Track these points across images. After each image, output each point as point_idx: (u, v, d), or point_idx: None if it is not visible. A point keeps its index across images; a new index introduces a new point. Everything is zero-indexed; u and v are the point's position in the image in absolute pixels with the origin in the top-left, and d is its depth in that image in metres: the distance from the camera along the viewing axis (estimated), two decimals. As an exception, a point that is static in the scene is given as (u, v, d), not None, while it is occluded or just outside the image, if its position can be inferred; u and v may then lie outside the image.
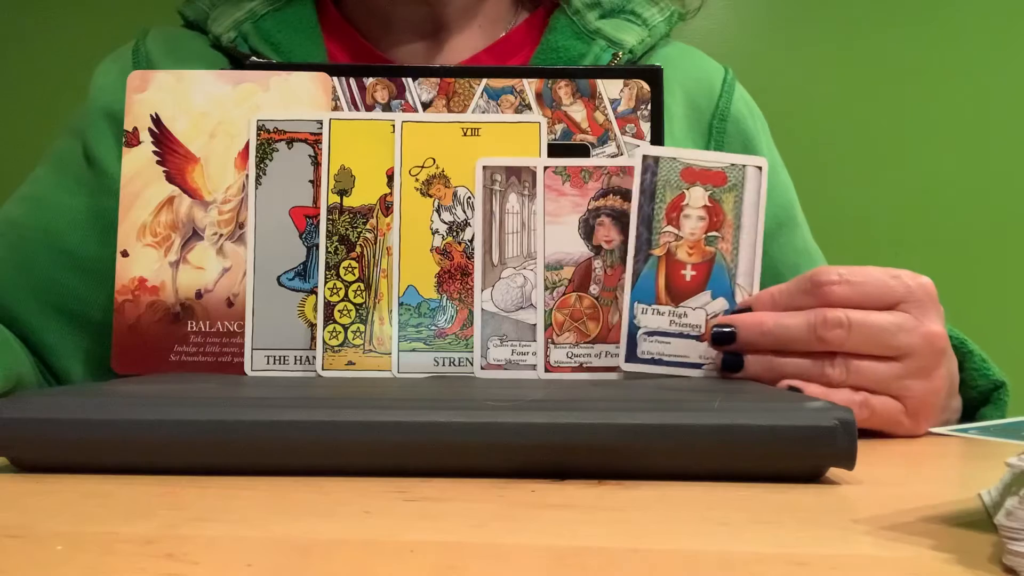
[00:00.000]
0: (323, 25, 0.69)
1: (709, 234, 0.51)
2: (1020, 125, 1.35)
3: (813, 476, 0.36)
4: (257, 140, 0.53)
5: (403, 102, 0.55)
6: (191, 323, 0.53)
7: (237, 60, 0.66)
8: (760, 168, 0.52)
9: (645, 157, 0.51)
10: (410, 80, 0.55)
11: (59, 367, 0.64)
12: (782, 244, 0.68)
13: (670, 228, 0.51)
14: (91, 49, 0.85)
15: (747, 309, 0.50)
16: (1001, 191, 1.35)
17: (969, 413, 0.53)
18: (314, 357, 0.51)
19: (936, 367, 0.47)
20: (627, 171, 0.52)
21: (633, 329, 0.50)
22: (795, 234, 0.70)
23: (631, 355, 0.50)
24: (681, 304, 0.51)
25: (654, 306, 0.51)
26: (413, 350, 0.51)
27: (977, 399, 0.53)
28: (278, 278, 0.52)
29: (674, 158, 0.52)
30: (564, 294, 0.52)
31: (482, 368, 0.51)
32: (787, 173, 0.72)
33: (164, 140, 0.54)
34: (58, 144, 0.68)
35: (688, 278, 0.51)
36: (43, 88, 1.43)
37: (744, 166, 0.52)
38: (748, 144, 0.69)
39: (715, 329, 0.49)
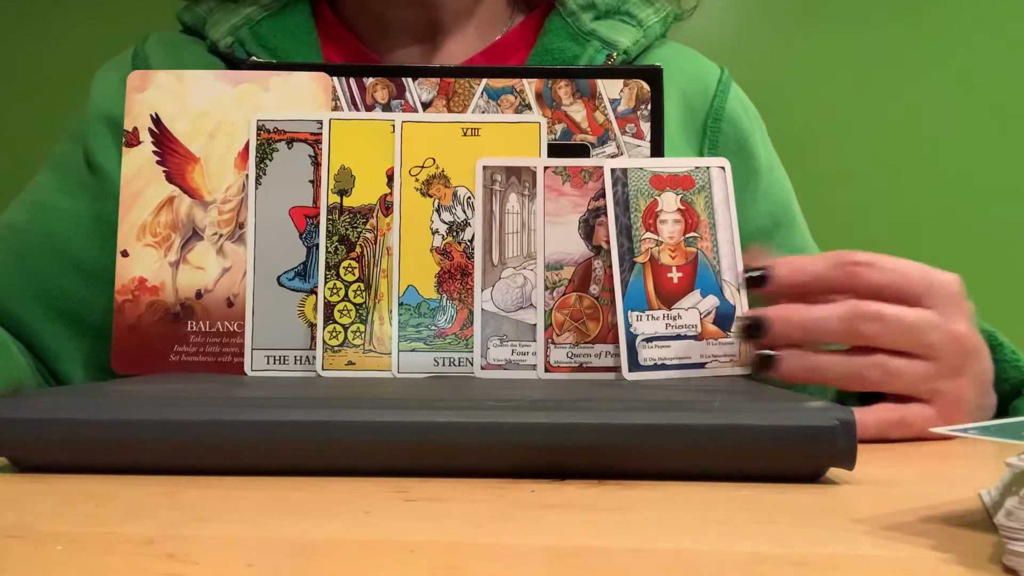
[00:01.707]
0: (320, 30, 0.69)
1: (688, 236, 0.52)
2: (1022, 121, 1.35)
3: (813, 476, 0.36)
4: (257, 140, 0.53)
5: (403, 102, 0.55)
6: (191, 323, 0.53)
7: (235, 66, 0.66)
8: (723, 168, 0.53)
9: (613, 170, 0.52)
10: (410, 80, 0.55)
11: (61, 371, 0.64)
12: (779, 243, 0.68)
13: (649, 234, 0.51)
14: (92, 53, 0.85)
15: (763, 273, 0.49)
16: (1005, 188, 1.35)
17: (1001, 407, 0.52)
18: (314, 357, 0.51)
19: (964, 368, 0.47)
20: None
21: (631, 337, 0.50)
22: (792, 233, 0.70)
23: (633, 364, 0.50)
24: (673, 307, 0.51)
25: (648, 312, 0.51)
26: (413, 350, 0.51)
27: (1009, 392, 0.53)
28: (278, 278, 0.52)
29: (641, 168, 0.52)
30: (564, 294, 0.52)
31: (482, 368, 0.51)
32: (784, 172, 0.72)
33: (164, 140, 0.54)
34: (59, 149, 0.68)
35: (675, 280, 0.51)
36: (44, 92, 1.43)
37: (708, 168, 0.53)
38: (743, 144, 0.68)
39: (744, 321, 0.49)
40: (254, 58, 0.64)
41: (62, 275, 0.63)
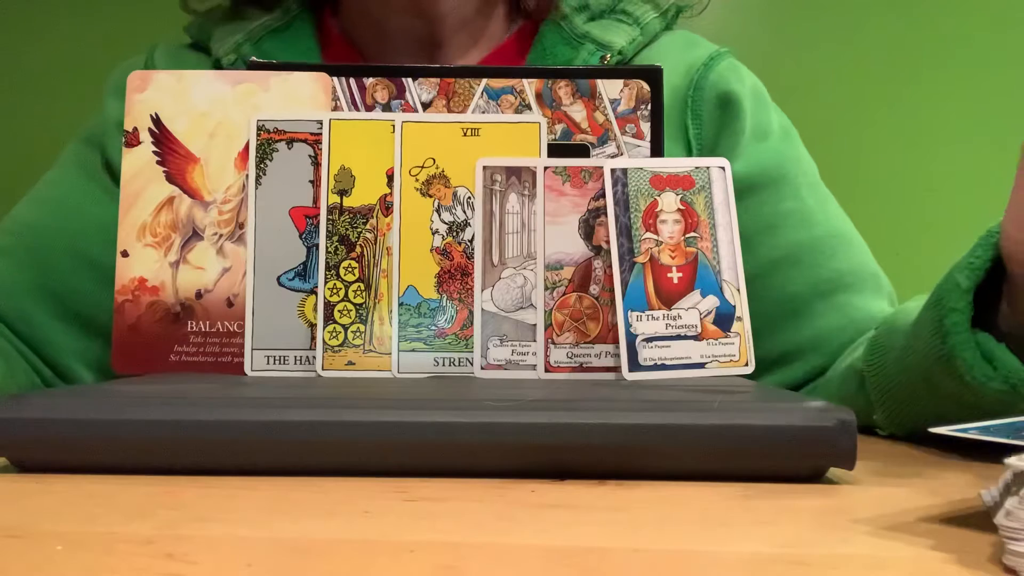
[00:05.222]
0: (322, 43, 0.69)
1: (688, 236, 0.52)
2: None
3: (813, 476, 0.36)
4: (257, 140, 0.53)
5: (403, 102, 0.55)
6: (191, 323, 0.53)
7: None
8: (723, 168, 0.52)
9: (613, 170, 0.52)
10: (410, 80, 0.55)
11: (66, 368, 0.65)
12: (760, 202, 0.65)
13: (649, 235, 0.51)
14: (99, 56, 0.85)
15: None
16: (1006, 188, 1.35)
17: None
18: (314, 357, 0.51)
19: None
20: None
21: (631, 337, 0.50)
22: (778, 196, 0.66)
23: (634, 364, 0.50)
24: (673, 307, 0.51)
25: (648, 312, 0.51)
26: (413, 350, 0.51)
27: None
28: (278, 278, 0.52)
29: (641, 168, 0.52)
30: (564, 294, 0.52)
31: (482, 368, 0.51)
32: (787, 143, 0.69)
33: (164, 140, 0.54)
34: (75, 151, 0.69)
35: (675, 280, 0.51)
36: (49, 95, 1.43)
37: (708, 168, 0.52)
38: (727, 102, 0.66)
39: None
40: (253, 58, 0.64)
41: (79, 276, 0.64)
